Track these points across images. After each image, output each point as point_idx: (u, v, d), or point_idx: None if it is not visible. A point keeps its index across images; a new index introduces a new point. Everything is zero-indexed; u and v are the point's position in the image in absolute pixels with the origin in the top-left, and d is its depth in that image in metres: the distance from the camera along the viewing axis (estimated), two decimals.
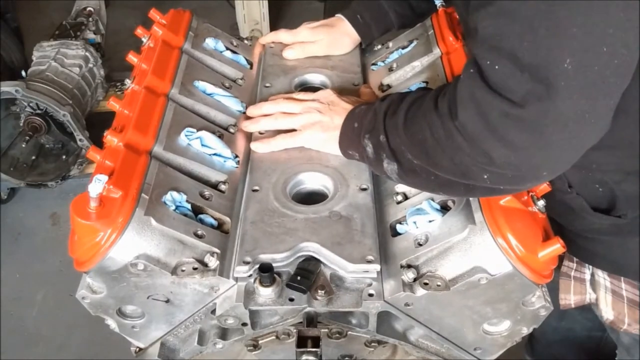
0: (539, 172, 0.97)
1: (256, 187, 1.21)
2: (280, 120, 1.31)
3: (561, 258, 1.39)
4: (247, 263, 1.07)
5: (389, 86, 1.45)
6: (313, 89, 1.45)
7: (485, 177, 0.98)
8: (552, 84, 0.86)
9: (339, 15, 1.56)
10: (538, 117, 0.89)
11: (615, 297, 1.33)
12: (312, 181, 1.25)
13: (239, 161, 1.28)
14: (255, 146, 1.29)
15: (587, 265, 1.37)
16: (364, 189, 1.20)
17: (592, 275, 1.37)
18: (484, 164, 0.96)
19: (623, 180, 1.18)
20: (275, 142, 1.29)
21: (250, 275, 1.08)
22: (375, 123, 1.15)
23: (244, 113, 1.38)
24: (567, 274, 1.40)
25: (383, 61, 1.54)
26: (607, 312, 1.35)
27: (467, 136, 0.96)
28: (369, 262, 1.07)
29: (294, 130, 1.29)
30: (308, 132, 1.27)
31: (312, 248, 1.09)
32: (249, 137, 1.34)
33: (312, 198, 1.24)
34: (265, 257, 1.08)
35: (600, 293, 1.36)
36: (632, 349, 1.43)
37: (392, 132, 1.11)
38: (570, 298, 1.40)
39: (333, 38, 1.53)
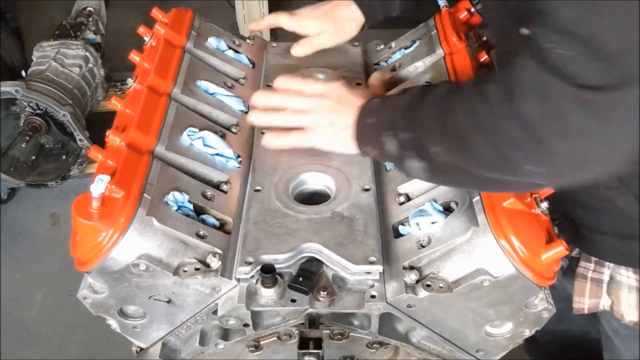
0: (596, 164, 0.93)
1: (258, 187, 1.21)
2: (289, 118, 1.24)
3: (577, 260, 1.38)
4: (249, 264, 1.07)
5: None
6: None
7: (529, 168, 0.94)
8: (631, 73, 0.84)
9: None
10: (611, 106, 0.86)
11: None
12: (314, 181, 1.25)
13: (241, 161, 1.28)
14: (267, 140, 1.26)
15: (607, 265, 1.33)
16: (367, 190, 1.20)
17: (611, 277, 1.33)
18: (536, 153, 0.92)
19: None
20: (287, 139, 1.24)
21: (253, 276, 1.07)
22: (396, 118, 1.08)
23: (246, 113, 1.37)
24: (583, 275, 1.36)
25: (386, 61, 1.53)
26: (630, 314, 1.31)
27: (524, 123, 0.91)
28: (372, 263, 1.06)
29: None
30: (319, 132, 1.21)
31: (314, 249, 1.09)
32: (252, 137, 1.34)
33: (314, 198, 1.23)
34: (267, 258, 1.07)
35: (621, 293, 1.32)
36: None
37: (418, 127, 1.05)
38: (584, 302, 1.37)
39: (338, 25, 1.46)
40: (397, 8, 1.48)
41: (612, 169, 0.98)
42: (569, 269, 1.40)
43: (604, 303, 1.36)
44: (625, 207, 1.22)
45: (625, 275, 1.31)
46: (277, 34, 4.06)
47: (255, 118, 1.28)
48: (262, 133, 1.32)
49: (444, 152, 1.02)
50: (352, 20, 1.46)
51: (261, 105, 1.28)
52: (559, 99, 0.88)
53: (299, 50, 1.48)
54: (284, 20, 1.47)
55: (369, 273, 1.07)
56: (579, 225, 1.29)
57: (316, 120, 1.22)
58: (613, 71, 0.85)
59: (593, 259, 1.35)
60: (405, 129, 1.07)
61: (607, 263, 1.34)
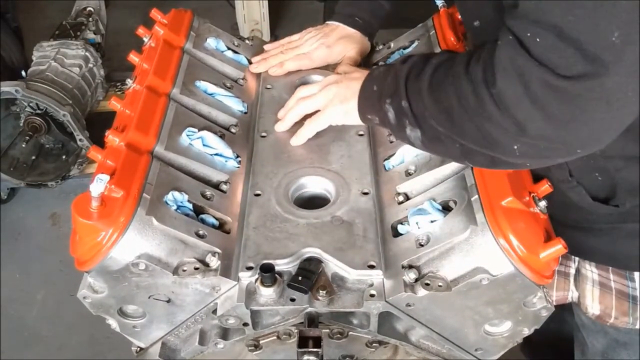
0: (573, 147, 0.95)
1: (258, 192, 1.21)
2: (302, 107, 1.31)
3: None
4: (250, 269, 1.07)
5: None
6: None
7: (515, 148, 0.96)
8: (599, 58, 0.84)
9: (335, 24, 1.53)
10: (583, 92, 0.87)
11: (603, 289, 1.32)
12: (314, 185, 1.25)
13: (240, 161, 1.28)
14: (293, 142, 1.31)
15: (573, 259, 1.35)
16: (366, 193, 1.20)
17: (578, 270, 1.36)
18: (516, 134, 0.94)
19: (624, 167, 1.17)
20: (305, 131, 1.30)
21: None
22: (397, 87, 1.11)
23: (245, 113, 1.38)
24: None
25: (385, 61, 1.54)
26: (593, 307, 1.34)
27: (502, 104, 0.92)
28: (371, 267, 1.07)
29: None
30: (329, 109, 1.27)
31: (314, 253, 1.10)
32: (251, 137, 1.34)
33: (314, 202, 1.23)
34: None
35: (586, 287, 1.35)
36: (610, 351, 1.42)
37: (415, 97, 1.08)
38: (552, 295, 1.38)
39: (351, 59, 1.49)
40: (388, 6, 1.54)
41: (589, 150, 0.98)
42: None
43: (572, 296, 1.38)
44: (579, 200, 1.24)
45: (590, 270, 1.33)
46: (276, 34, 4.07)
47: (278, 126, 1.35)
48: (262, 136, 1.33)
49: (437, 124, 1.05)
50: (356, 45, 1.51)
51: (285, 118, 1.34)
52: (536, 83, 0.89)
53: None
54: (291, 66, 1.50)
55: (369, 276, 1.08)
56: (552, 219, 1.28)
57: (325, 97, 1.27)
58: (581, 57, 0.85)
59: None
60: (403, 98, 1.09)
61: (572, 257, 1.36)
